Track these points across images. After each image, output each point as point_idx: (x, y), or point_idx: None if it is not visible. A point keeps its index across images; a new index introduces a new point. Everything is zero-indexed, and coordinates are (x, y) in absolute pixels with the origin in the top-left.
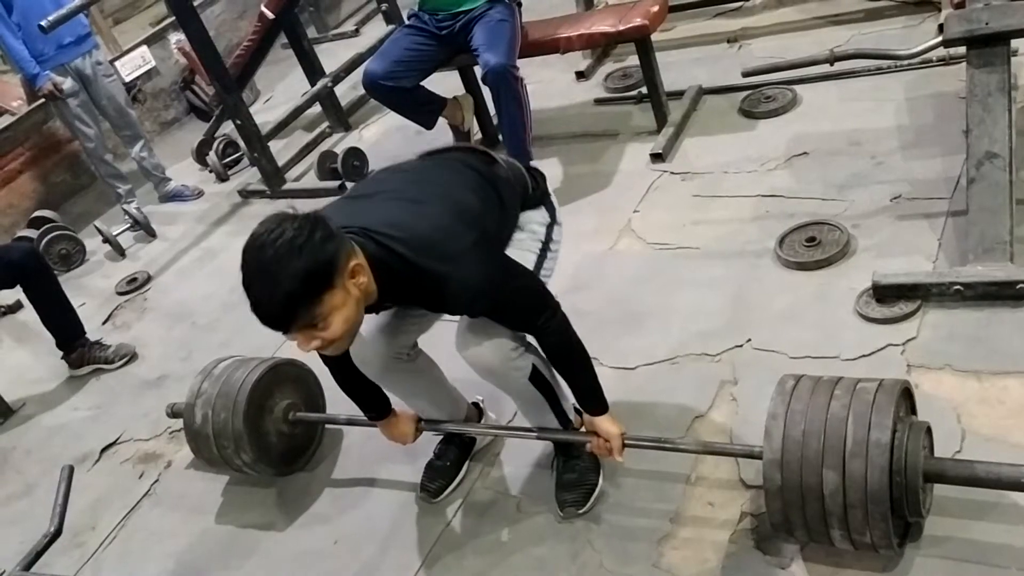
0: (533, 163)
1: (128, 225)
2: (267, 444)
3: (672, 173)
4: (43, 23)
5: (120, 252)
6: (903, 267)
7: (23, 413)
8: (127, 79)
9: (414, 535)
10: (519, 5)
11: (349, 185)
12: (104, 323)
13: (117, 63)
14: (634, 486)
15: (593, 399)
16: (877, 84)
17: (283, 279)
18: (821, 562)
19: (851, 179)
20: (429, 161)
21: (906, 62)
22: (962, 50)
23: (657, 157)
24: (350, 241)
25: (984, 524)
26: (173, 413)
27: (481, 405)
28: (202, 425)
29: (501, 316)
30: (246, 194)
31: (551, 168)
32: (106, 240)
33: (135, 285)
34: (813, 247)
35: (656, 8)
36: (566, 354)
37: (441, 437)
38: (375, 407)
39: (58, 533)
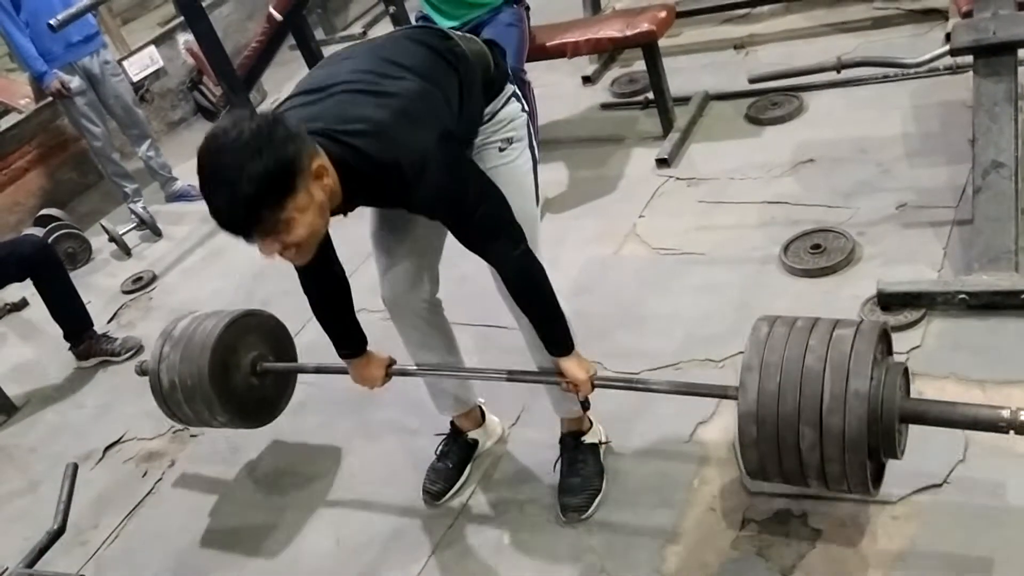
0: (540, 168)
1: (134, 224)
2: (240, 401)
3: (678, 179)
4: (52, 21)
5: (126, 251)
6: (908, 275)
7: (27, 410)
8: (135, 79)
9: (416, 537)
10: (527, 9)
11: None
12: (109, 321)
13: (125, 63)
14: (637, 490)
15: (558, 341)
16: (883, 92)
17: (243, 183)
18: (824, 570)
19: (857, 186)
20: (380, 40)
21: (913, 70)
22: (969, 59)
23: (663, 162)
24: (312, 142)
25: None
26: (142, 371)
27: (483, 408)
28: (171, 391)
29: (460, 229)
30: None
31: (557, 172)
32: (112, 239)
33: (140, 284)
34: (818, 254)
35: (663, 14)
36: (526, 289)
37: (443, 438)
38: (349, 343)
39: (61, 531)
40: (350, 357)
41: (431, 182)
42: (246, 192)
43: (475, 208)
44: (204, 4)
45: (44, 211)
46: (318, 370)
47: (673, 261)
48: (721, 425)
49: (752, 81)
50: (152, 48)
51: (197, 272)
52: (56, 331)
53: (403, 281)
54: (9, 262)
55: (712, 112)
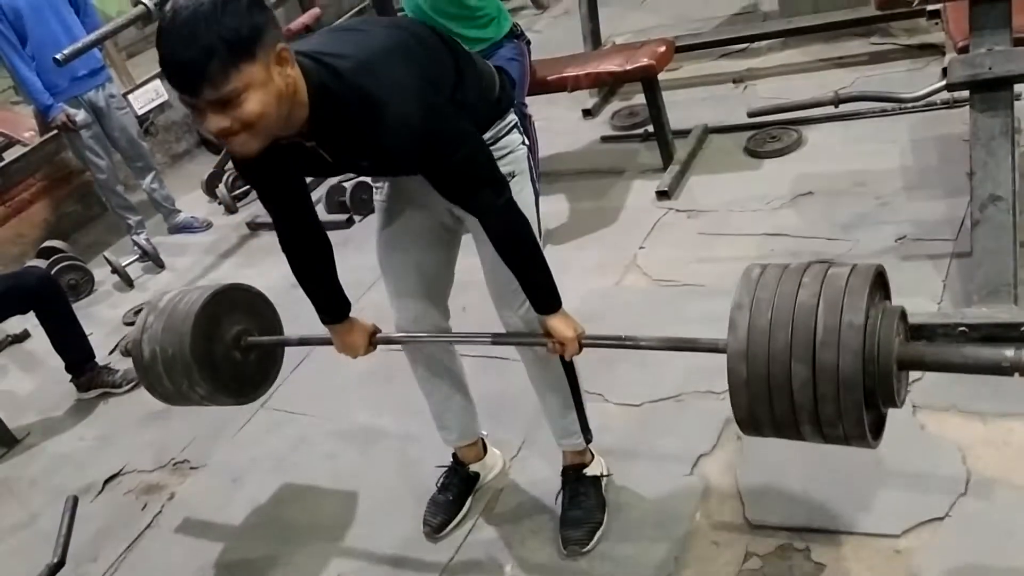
0: (542, 200)
1: (137, 256)
2: (222, 374)
3: (678, 210)
4: (58, 56)
5: (128, 283)
6: (908, 307)
7: (28, 442)
8: (140, 112)
9: (417, 570)
10: (528, 44)
11: (357, 219)
12: (111, 352)
13: (130, 96)
14: (639, 523)
15: (544, 296)
16: (881, 126)
17: (201, 35)
18: None
19: (856, 219)
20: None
21: (910, 105)
22: (965, 94)
23: (663, 194)
24: (283, 37)
25: None
26: (127, 351)
27: (485, 441)
28: (151, 362)
29: (439, 174)
30: (254, 226)
31: (558, 204)
32: (115, 270)
33: None
34: None
35: (663, 49)
36: (512, 240)
37: (445, 471)
38: (331, 309)
39: (61, 564)
40: (333, 323)
41: (406, 115)
42: (202, 43)
43: (454, 150)
44: None
45: (47, 243)
46: (302, 342)
47: (673, 292)
48: (723, 458)
49: (751, 115)
50: (157, 82)
51: None
52: (58, 362)
53: (415, 309)
54: (12, 294)
55: (711, 145)
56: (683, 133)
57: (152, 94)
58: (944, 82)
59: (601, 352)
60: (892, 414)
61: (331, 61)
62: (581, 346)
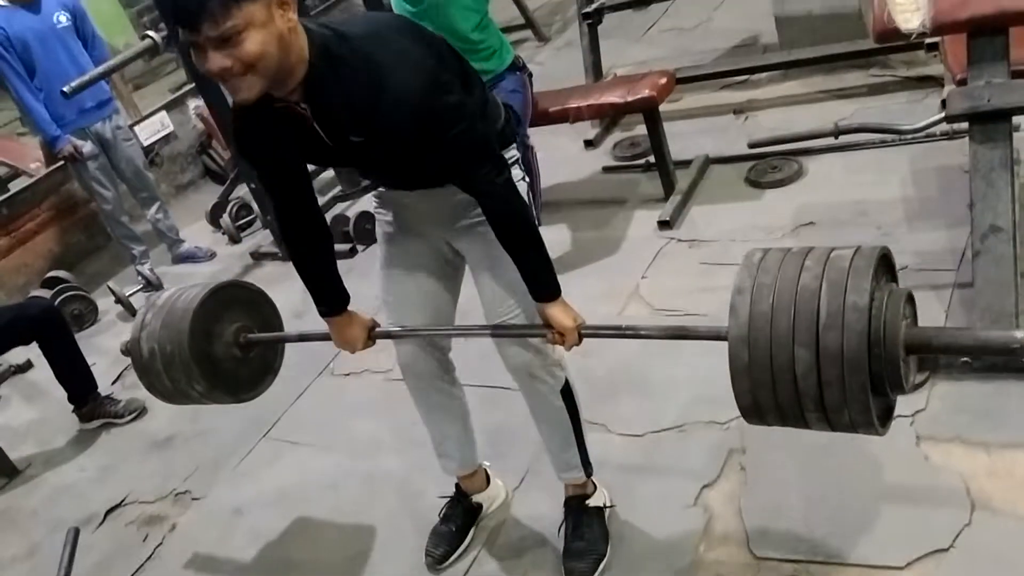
0: (543, 227)
1: (141, 286)
2: (220, 371)
3: (680, 240)
4: (65, 88)
5: (132, 312)
6: None
7: (29, 473)
8: (146, 143)
9: None
10: (530, 76)
11: (360, 248)
12: (114, 383)
13: (136, 127)
14: (642, 555)
15: (542, 282)
16: (882, 156)
17: None
18: None
19: None
20: None
21: (910, 136)
22: (965, 125)
23: (665, 224)
24: None
25: None
26: (126, 350)
27: (488, 471)
28: (150, 360)
29: (439, 147)
30: (258, 256)
31: (560, 233)
32: (119, 300)
33: None
34: None
35: (664, 81)
36: (512, 221)
37: (447, 501)
38: (330, 299)
39: None
40: (331, 315)
41: (409, 82)
42: None
43: (454, 123)
44: None
45: (52, 273)
46: (301, 338)
47: (676, 322)
48: (726, 488)
49: (752, 146)
50: (163, 113)
51: None
52: (60, 393)
53: (415, 344)
54: (16, 325)
55: (713, 175)
56: (684, 163)
57: (158, 125)
58: (943, 114)
59: (604, 382)
60: (896, 445)
61: (338, 27)
62: (581, 336)
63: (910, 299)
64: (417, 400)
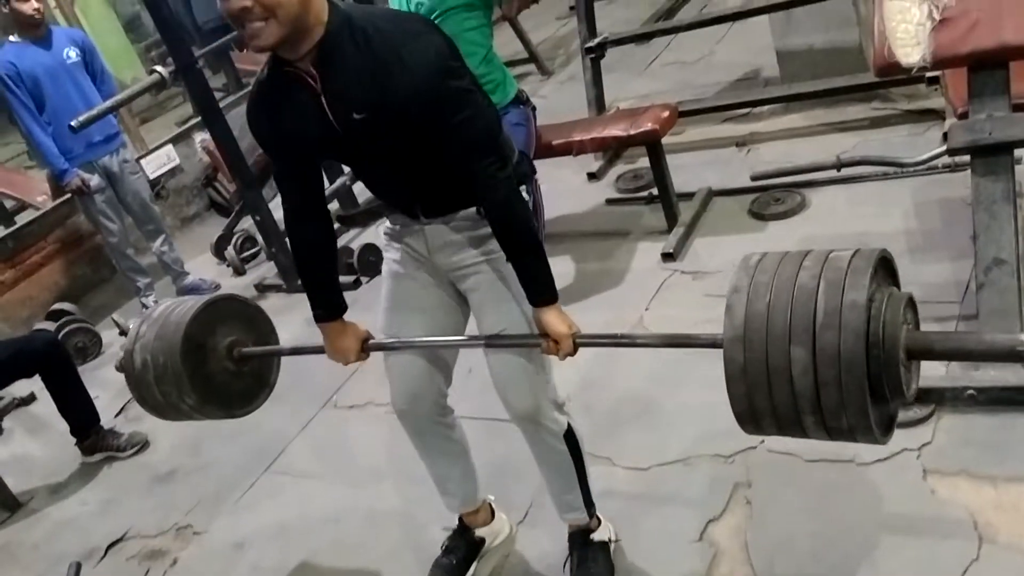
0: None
1: None
2: (212, 385)
3: (683, 272)
4: (73, 123)
5: None
6: None
7: (31, 506)
8: (152, 176)
9: None
10: (533, 110)
11: (364, 280)
12: (116, 415)
13: (143, 161)
14: None
15: (540, 286)
16: (884, 189)
17: None
18: None
19: None
20: None
21: (912, 169)
22: (967, 158)
23: (668, 256)
24: None
25: None
26: (121, 367)
27: (492, 505)
28: (143, 371)
29: (445, 133)
30: (262, 288)
31: (564, 265)
32: (123, 333)
33: None
34: None
35: (666, 114)
36: (512, 218)
37: (450, 533)
38: (327, 304)
39: None
40: (326, 320)
41: (425, 58)
42: None
43: (461, 108)
44: (221, 105)
45: (56, 305)
46: (295, 351)
47: (680, 354)
48: (732, 523)
49: (755, 178)
50: (170, 147)
51: None
52: (63, 426)
53: (413, 385)
54: (18, 359)
55: (716, 207)
56: (687, 196)
57: (164, 158)
58: (945, 147)
59: (608, 414)
60: (903, 479)
61: (362, 7)
62: (576, 345)
63: (911, 303)
64: (415, 443)
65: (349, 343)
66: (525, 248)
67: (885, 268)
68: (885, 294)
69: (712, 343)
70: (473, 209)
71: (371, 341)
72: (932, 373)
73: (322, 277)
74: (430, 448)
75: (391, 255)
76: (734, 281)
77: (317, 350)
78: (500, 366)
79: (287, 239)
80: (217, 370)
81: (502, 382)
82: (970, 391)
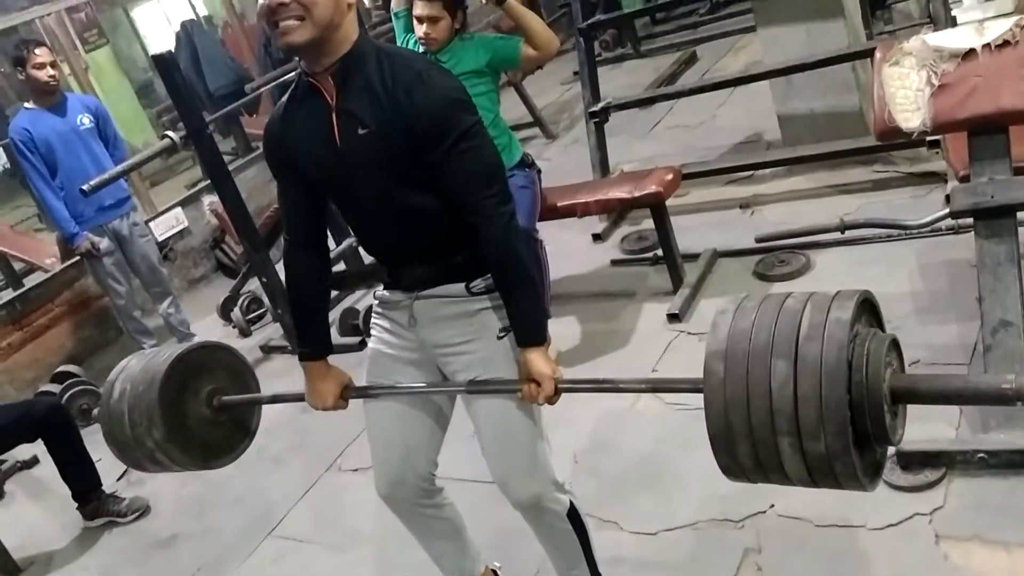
0: (551, 320)
1: None
2: (184, 426)
3: (689, 333)
4: (84, 187)
5: None
6: (926, 433)
7: (32, 571)
8: (160, 238)
9: None
10: (539, 172)
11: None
12: (119, 479)
13: (152, 223)
14: None
15: (530, 324)
16: (889, 250)
17: None
18: None
19: None
20: None
21: (916, 231)
22: (970, 220)
23: (674, 317)
24: None
25: None
26: (96, 418)
27: (499, 572)
28: (118, 401)
29: (450, 163)
30: (268, 350)
31: (569, 326)
32: None
33: None
34: None
35: (670, 176)
36: (506, 255)
37: None
38: (313, 340)
39: None
40: (311, 359)
41: (442, 85)
42: None
43: (469, 137)
44: (230, 168)
45: (62, 368)
46: (275, 399)
47: (687, 416)
48: None
49: (760, 240)
50: (179, 209)
51: None
52: (64, 490)
53: (393, 471)
54: (22, 423)
55: (721, 269)
56: (692, 257)
57: (173, 221)
58: (948, 209)
59: (615, 479)
60: (916, 544)
61: (382, 43)
62: (558, 390)
63: (895, 345)
64: (404, 523)
65: (329, 387)
66: (518, 284)
67: (869, 310)
68: (870, 331)
69: (694, 388)
70: (462, 285)
71: (351, 388)
72: (942, 436)
73: (312, 311)
74: (419, 528)
75: (378, 326)
76: (720, 306)
77: (297, 397)
78: (497, 459)
79: (284, 267)
80: (192, 413)
81: (501, 475)
82: (981, 454)
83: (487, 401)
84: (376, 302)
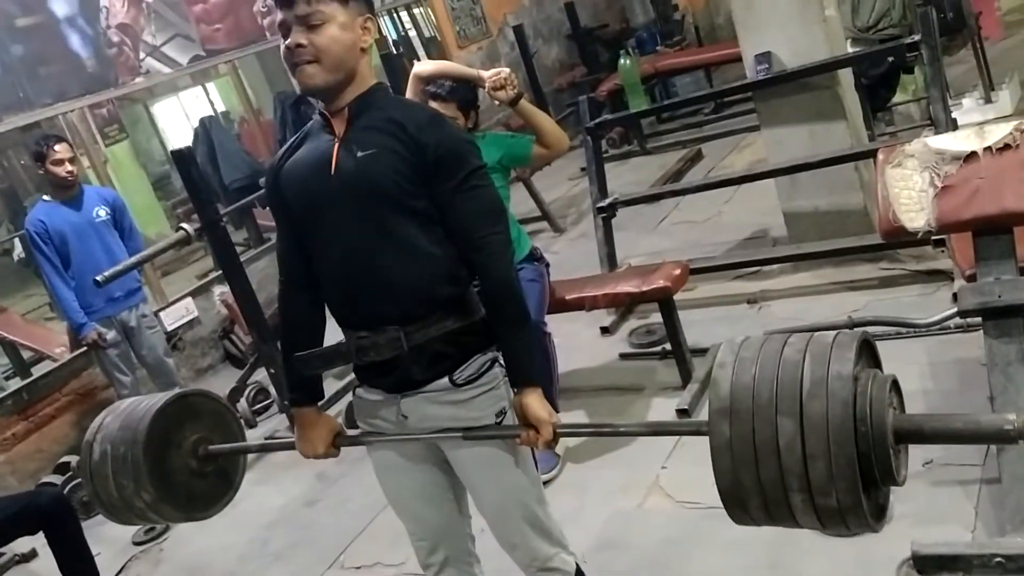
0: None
1: None
2: (171, 483)
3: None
4: (98, 278)
5: None
6: (941, 536)
7: None
8: (169, 328)
9: None
10: (547, 266)
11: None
12: (118, 574)
13: (162, 313)
14: None
15: (523, 365)
16: (898, 348)
17: None
18: None
19: None
20: None
21: (925, 329)
22: (978, 318)
23: (683, 413)
24: (374, 14)
25: None
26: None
27: None
28: (100, 463)
29: (456, 198)
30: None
31: (577, 420)
32: None
33: (153, 535)
34: None
35: (678, 271)
36: (504, 293)
37: None
38: (303, 387)
39: None
40: (301, 405)
41: (453, 128)
42: None
43: (475, 178)
44: (242, 259)
45: (65, 458)
46: (263, 448)
47: (699, 516)
48: None
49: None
50: (188, 299)
51: (211, 522)
52: None
53: (433, 540)
54: (23, 515)
55: None
56: (701, 351)
57: (182, 311)
58: (956, 309)
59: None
60: None
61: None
62: (556, 434)
63: (896, 385)
64: None
65: (320, 434)
66: (515, 323)
67: (868, 351)
68: (870, 374)
69: (696, 431)
70: (446, 379)
71: (342, 437)
72: (958, 540)
73: (307, 361)
74: None
75: (369, 424)
76: (719, 358)
77: (287, 446)
78: (502, 528)
79: (278, 307)
80: (178, 467)
81: (507, 543)
82: (999, 558)
83: (484, 473)
84: (357, 408)
